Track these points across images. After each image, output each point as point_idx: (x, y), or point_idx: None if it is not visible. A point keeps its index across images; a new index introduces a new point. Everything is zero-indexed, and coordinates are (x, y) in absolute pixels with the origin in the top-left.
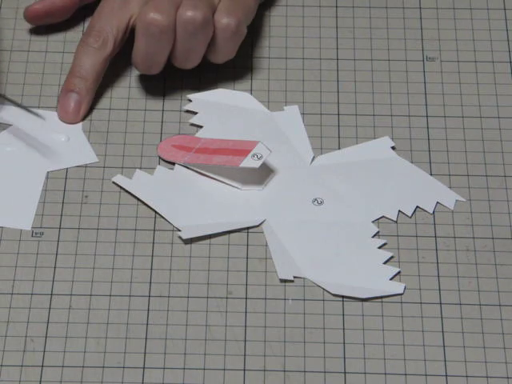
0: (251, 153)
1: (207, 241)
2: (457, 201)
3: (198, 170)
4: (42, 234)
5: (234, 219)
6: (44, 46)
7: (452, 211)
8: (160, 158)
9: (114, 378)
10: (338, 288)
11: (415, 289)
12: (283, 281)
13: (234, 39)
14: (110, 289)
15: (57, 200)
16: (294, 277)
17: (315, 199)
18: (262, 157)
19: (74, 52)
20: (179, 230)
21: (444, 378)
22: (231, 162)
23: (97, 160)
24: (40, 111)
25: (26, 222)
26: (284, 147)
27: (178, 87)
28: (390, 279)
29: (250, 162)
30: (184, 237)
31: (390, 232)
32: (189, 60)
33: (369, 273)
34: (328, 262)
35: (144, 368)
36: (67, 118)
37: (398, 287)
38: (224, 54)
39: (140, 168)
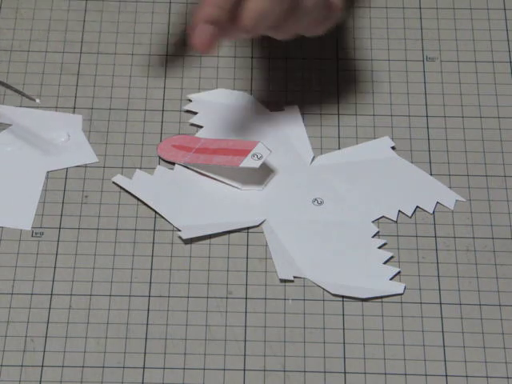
0: (251, 153)
1: (207, 241)
2: (457, 201)
3: (198, 170)
4: (42, 234)
5: (234, 219)
6: (44, 46)
7: (452, 211)
8: (160, 158)
9: (114, 377)
10: (337, 288)
11: (415, 289)
12: (283, 281)
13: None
14: (110, 289)
15: (57, 200)
16: (294, 277)
17: (315, 199)
18: (261, 157)
19: (73, 52)
20: (179, 230)
21: (444, 377)
22: (231, 162)
23: (97, 160)
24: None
25: (26, 222)
26: (284, 147)
27: (178, 87)
28: (390, 279)
29: (250, 162)
30: (184, 237)
31: (390, 232)
32: (289, 32)
33: (369, 273)
34: (328, 262)
35: (144, 368)
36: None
37: (397, 287)
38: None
39: (140, 168)
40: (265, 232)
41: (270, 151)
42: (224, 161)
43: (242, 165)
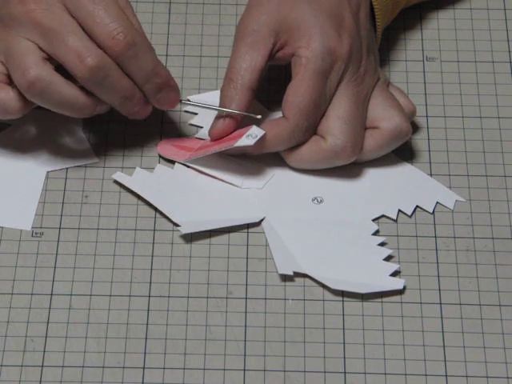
0: (246, 134)
1: (207, 241)
2: (457, 201)
3: (198, 168)
4: (41, 234)
5: (234, 216)
6: None
7: (452, 211)
8: (160, 156)
9: (114, 377)
10: (337, 283)
11: (415, 289)
12: (283, 278)
13: None
14: (110, 289)
15: (57, 200)
16: (294, 272)
17: (315, 198)
18: (256, 136)
19: None
20: (178, 228)
21: (444, 377)
22: (227, 145)
23: (97, 160)
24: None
25: (26, 222)
26: None
27: (178, 87)
28: (390, 276)
29: (244, 141)
30: (183, 231)
31: (390, 232)
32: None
33: (368, 269)
34: (327, 258)
35: (144, 368)
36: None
37: (397, 283)
38: None
39: (140, 168)
40: (264, 229)
41: (265, 132)
42: (220, 147)
43: (236, 144)
